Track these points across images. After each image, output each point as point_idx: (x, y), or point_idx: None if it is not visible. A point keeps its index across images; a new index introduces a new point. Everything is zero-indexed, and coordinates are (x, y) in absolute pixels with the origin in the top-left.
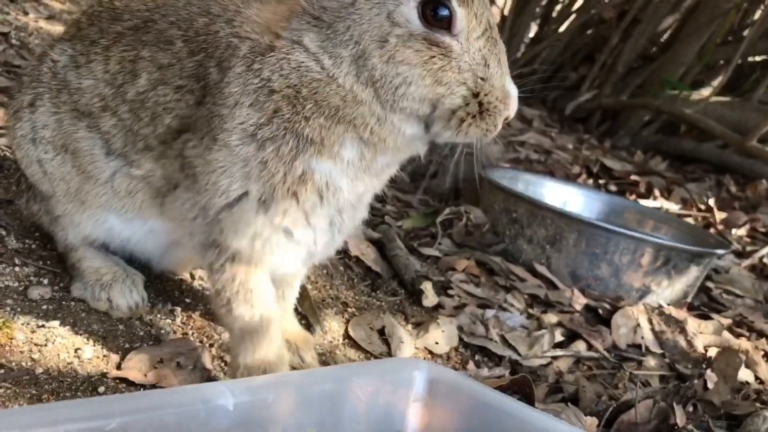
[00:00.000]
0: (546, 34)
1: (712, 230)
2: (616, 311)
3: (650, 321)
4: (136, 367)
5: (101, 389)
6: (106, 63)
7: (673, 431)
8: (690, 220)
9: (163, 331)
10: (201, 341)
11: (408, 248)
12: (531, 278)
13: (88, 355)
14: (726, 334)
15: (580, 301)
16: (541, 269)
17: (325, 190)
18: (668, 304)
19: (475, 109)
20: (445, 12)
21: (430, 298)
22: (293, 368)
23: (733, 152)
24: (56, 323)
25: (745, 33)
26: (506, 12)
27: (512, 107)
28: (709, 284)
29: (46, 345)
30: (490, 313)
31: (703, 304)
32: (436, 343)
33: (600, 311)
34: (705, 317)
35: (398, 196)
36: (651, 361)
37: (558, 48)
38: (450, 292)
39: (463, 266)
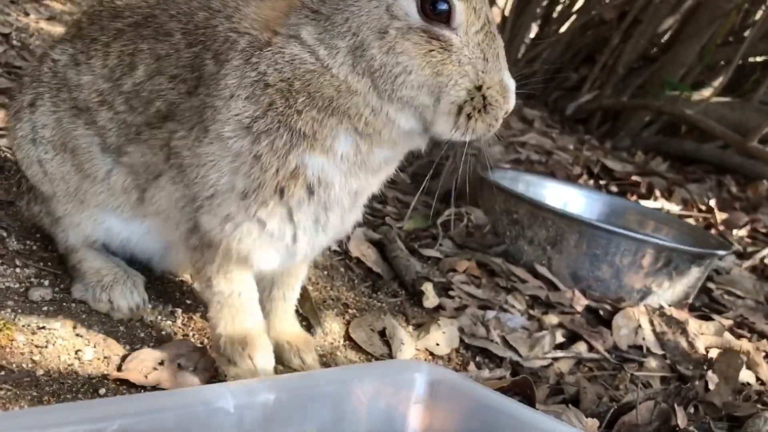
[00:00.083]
0: (547, 34)
1: (713, 231)
2: (617, 312)
3: (651, 322)
4: (136, 368)
5: (102, 391)
6: (105, 58)
7: None
8: (691, 220)
9: (163, 333)
10: (202, 342)
11: (409, 249)
12: (532, 279)
13: (89, 356)
14: (727, 335)
15: (581, 302)
16: (542, 270)
17: (317, 185)
18: (669, 305)
19: (480, 103)
20: (443, 6)
21: (430, 300)
22: (294, 370)
23: (733, 153)
24: (57, 325)
25: (746, 34)
26: (507, 12)
27: (511, 100)
28: (710, 285)
29: (46, 346)
30: (491, 314)
31: (704, 305)
32: (437, 344)
33: (601, 312)
34: (706, 318)
35: (399, 197)
36: (652, 363)
37: (559, 49)
38: (451, 293)
39: (463, 267)
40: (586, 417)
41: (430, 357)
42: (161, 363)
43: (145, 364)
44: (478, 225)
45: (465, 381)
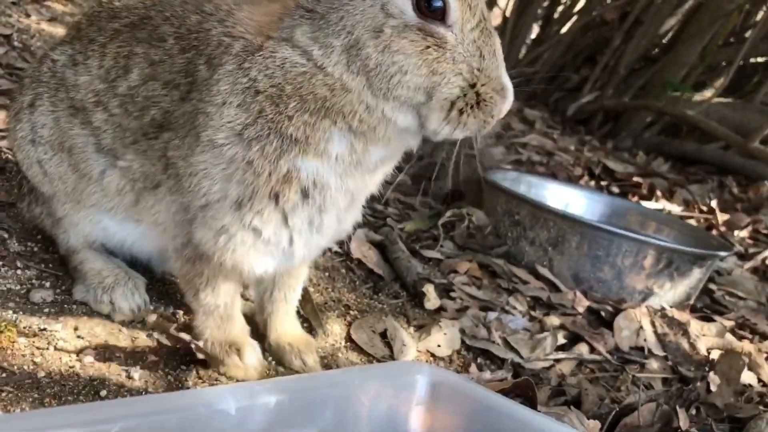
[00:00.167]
0: (548, 35)
1: (714, 232)
2: (618, 314)
3: (653, 323)
4: (137, 370)
5: (103, 393)
6: (101, 59)
7: None
8: (692, 221)
9: (165, 334)
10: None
11: (410, 250)
12: (533, 280)
13: (90, 358)
14: (729, 336)
15: (582, 304)
16: (544, 271)
17: (312, 188)
18: (671, 307)
19: (473, 100)
20: (438, 3)
21: (432, 301)
22: (295, 371)
23: (735, 154)
24: (58, 326)
25: (748, 34)
26: (508, 13)
27: (508, 101)
28: (712, 286)
29: (48, 348)
30: (492, 315)
31: (706, 306)
32: (438, 345)
33: (602, 314)
34: (708, 319)
35: (400, 198)
36: (654, 364)
37: (560, 49)
38: (452, 294)
39: (465, 268)
40: (588, 419)
41: (431, 358)
42: (162, 365)
43: (146, 366)
44: (480, 226)
45: (466, 383)
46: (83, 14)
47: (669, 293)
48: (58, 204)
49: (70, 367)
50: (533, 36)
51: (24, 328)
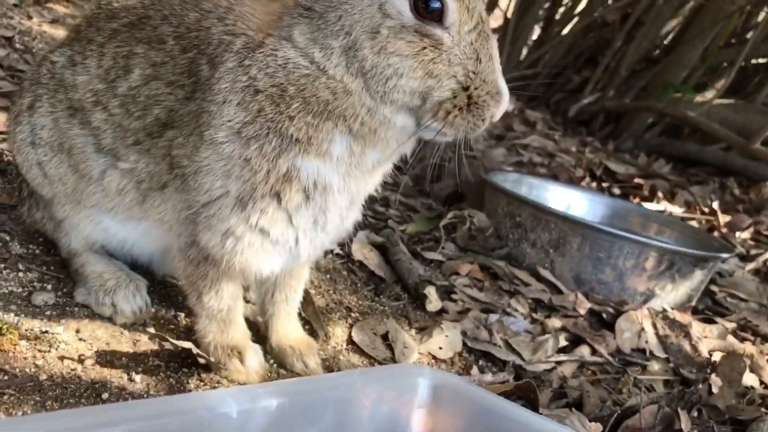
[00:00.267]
0: (549, 36)
1: (715, 233)
2: (620, 315)
3: (654, 325)
4: (139, 373)
5: (105, 396)
6: (100, 59)
7: None
8: (694, 223)
9: (166, 336)
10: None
11: (411, 252)
12: (535, 282)
13: (92, 361)
14: (730, 338)
15: (584, 306)
16: (545, 273)
17: (313, 189)
18: (672, 308)
19: (463, 102)
20: (436, 4)
21: (433, 303)
22: (297, 374)
23: (736, 155)
24: (60, 329)
25: (749, 35)
26: (509, 15)
27: (502, 105)
28: (714, 288)
29: (49, 351)
30: (493, 317)
31: (708, 308)
32: (440, 348)
33: (604, 315)
34: (709, 321)
35: (401, 200)
36: (655, 366)
37: (561, 51)
38: (453, 296)
39: (466, 270)
40: (590, 421)
41: (432, 361)
42: (164, 367)
43: (147, 368)
44: (481, 228)
45: (468, 385)
46: (83, 17)
47: (670, 295)
48: (59, 206)
49: (72, 370)
50: (534, 37)
51: (26, 330)
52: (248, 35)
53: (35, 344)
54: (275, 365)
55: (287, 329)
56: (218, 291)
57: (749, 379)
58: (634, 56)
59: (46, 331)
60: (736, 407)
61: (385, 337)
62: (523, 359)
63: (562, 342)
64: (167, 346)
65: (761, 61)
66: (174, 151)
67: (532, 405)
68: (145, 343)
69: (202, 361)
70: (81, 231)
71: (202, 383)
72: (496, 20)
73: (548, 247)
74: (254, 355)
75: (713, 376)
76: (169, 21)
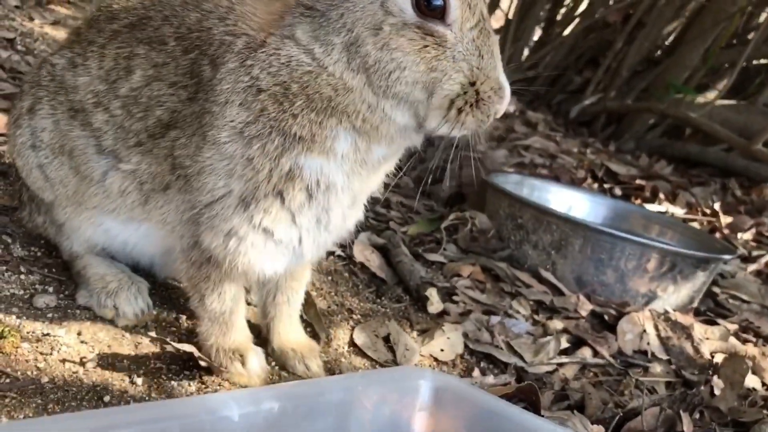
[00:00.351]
0: (550, 37)
1: (717, 234)
2: (621, 317)
3: (656, 327)
4: (141, 376)
5: (106, 398)
6: (101, 60)
7: None
8: (695, 224)
9: (167, 339)
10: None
11: (413, 254)
12: (536, 284)
13: (94, 363)
14: (732, 339)
15: (585, 307)
16: (547, 275)
17: (315, 187)
18: (674, 310)
19: (473, 98)
20: (438, 2)
21: (435, 305)
22: (299, 376)
23: (738, 156)
24: (62, 332)
25: (750, 36)
26: (510, 15)
27: (505, 101)
28: (715, 289)
29: (51, 354)
30: (495, 319)
31: (709, 309)
32: (442, 350)
33: (606, 317)
34: (711, 323)
35: (403, 201)
36: (657, 368)
37: (562, 52)
38: (455, 298)
39: (468, 272)
40: (592, 423)
41: (434, 363)
42: (166, 370)
43: (149, 371)
44: (483, 229)
45: (470, 388)
46: (84, 20)
47: (672, 296)
48: (59, 209)
49: (74, 373)
50: (536, 38)
51: (27, 333)
52: (249, 35)
53: (37, 347)
54: (277, 368)
55: (289, 331)
56: (221, 293)
57: (751, 381)
58: (636, 57)
59: (48, 334)
60: (738, 409)
61: (386, 339)
62: (524, 361)
63: (564, 344)
64: (169, 348)
65: (763, 61)
66: (176, 151)
67: (534, 407)
68: (146, 346)
69: (203, 363)
70: (82, 233)
71: (203, 386)
72: (497, 21)
73: (550, 249)
74: (256, 358)
75: (715, 377)
76: (170, 22)
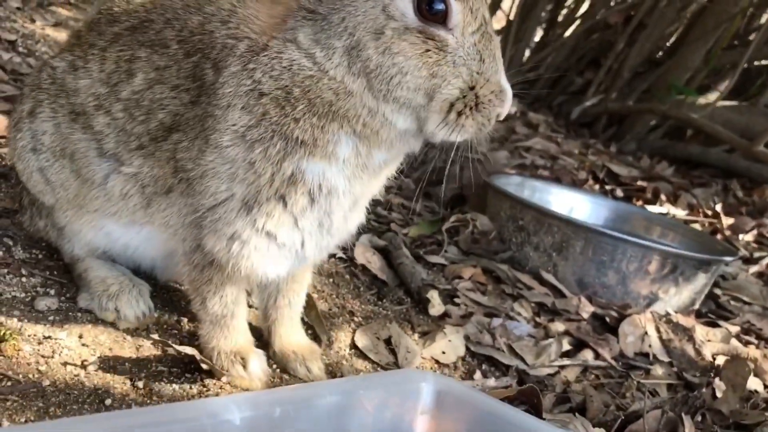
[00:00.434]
0: (551, 38)
1: (719, 236)
2: (623, 319)
3: (658, 329)
4: (142, 379)
5: (108, 401)
6: (102, 63)
7: None
8: (697, 225)
9: (169, 342)
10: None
11: (414, 256)
12: (538, 286)
13: (95, 366)
14: (734, 341)
15: (587, 309)
16: (548, 277)
17: (318, 191)
18: (676, 312)
19: (473, 102)
20: (440, 6)
21: (436, 307)
22: (300, 380)
23: (739, 157)
24: (63, 334)
25: (752, 37)
26: (512, 17)
27: (507, 104)
28: (717, 291)
29: (52, 357)
30: (496, 321)
31: (711, 311)
32: (443, 352)
33: (607, 319)
34: (713, 325)
35: (404, 203)
36: (659, 370)
37: (563, 53)
38: (456, 300)
39: (469, 274)
40: (593, 426)
41: (436, 365)
42: (167, 373)
43: (150, 374)
44: (484, 231)
45: (471, 391)
46: (84, 23)
47: (674, 298)
48: (60, 212)
49: (75, 376)
50: (537, 39)
51: (29, 336)
52: (251, 38)
53: (38, 350)
54: (278, 370)
55: (290, 334)
56: (222, 296)
57: (753, 383)
58: (637, 58)
59: (49, 337)
60: (740, 412)
61: (388, 341)
62: (526, 363)
63: (566, 346)
64: (170, 351)
65: (764, 62)
66: (179, 154)
67: (536, 410)
68: (148, 349)
69: (205, 366)
70: (83, 236)
71: (205, 389)
72: (498, 22)
73: (551, 251)
74: (257, 361)
75: (717, 380)
76: (172, 25)
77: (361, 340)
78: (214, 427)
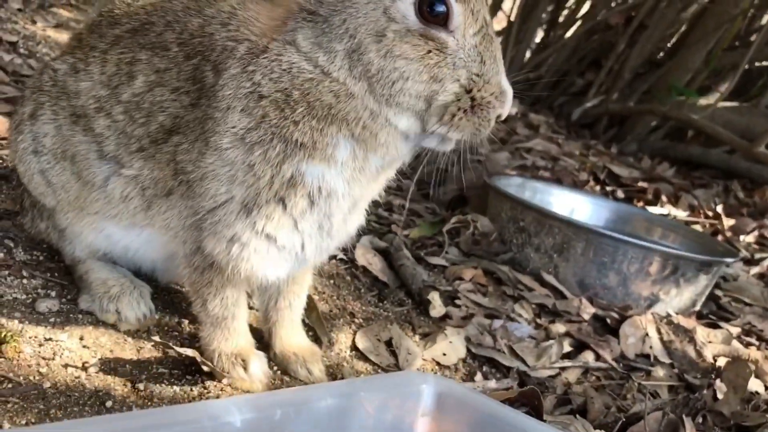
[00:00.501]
0: (552, 39)
1: (720, 237)
2: (624, 321)
3: (659, 330)
4: (143, 381)
5: (109, 404)
6: (103, 65)
7: None
8: (698, 227)
9: (170, 344)
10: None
11: (415, 257)
12: (539, 287)
13: (96, 368)
14: (735, 343)
15: (588, 311)
16: (549, 278)
17: (317, 194)
18: (677, 313)
19: (467, 104)
20: (441, 8)
21: (437, 309)
22: (301, 381)
23: (740, 158)
24: (64, 336)
25: (753, 38)
26: (512, 18)
27: (507, 105)
28: (718, 292)
29: (53, 359)
30: (497, 323)
31: (712, 312)
32: (444, 354)
33: (608, 321)
34: (714, 326)
35: (405, 204)
36: (660, 372)
37: (564, 54)
38: (457, 302)
39: (470, 275)
40: (594, 428)
41: (436, 367)
42: (168, 375)
43: (151, 376)
44: (485, 233)
45: (472, 393)
46: (84, 24)
47: (675, 300)
48: (61, 214)
49: (76, 378)
50: (538, 40)
51: (30, 338)
52: (251, 40)
53: (39, 352)
54: (279, 372)
55: (291, 336)
56: (223, 298)
57: (754, 384)
58: (638, 59)
59: (50, 339)
60: (741, 413)
61: (389, 343)
62: (527, 365)
63: (566, 348)
64: (171, 353)
65: (765, 63)
66: (179, 157)
67: (537, 412)
68: (149, 351)
69: (206, 368)
70: (84, 238)
71: (206, 390)
72: (499, 23)
73: (552, 252)
74: (258, 363)
75: (718, 381)
76: (173, 27)
77: (362, 342)
78: (214, 429)
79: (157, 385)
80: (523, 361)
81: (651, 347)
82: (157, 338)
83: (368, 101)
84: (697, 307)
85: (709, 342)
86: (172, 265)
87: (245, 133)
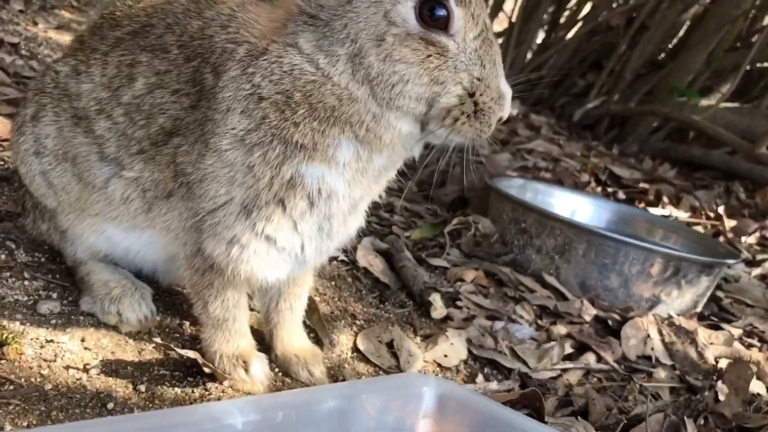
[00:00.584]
0: (554, 40)
1: (721, 238)
2: (625, 322)
3: (660, 332)
4: (144, 383)
5: (110, 405)
6: (104, 67)
7: None
8: (699, 228)
9: (171, 345)
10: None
11: (416, 259)
12: (540, 289)
13: (97, 370)
14: (737, 344)
15: (589, 312)
16: (550, 280)
17: (317, 195)
18: (678, 315)
19: (471, 109)
20: (442, 12)
21: (438, 310)
22: (302, 383)
23: (742, 159)
24: (65, 338)
25: (754, 39)
26: (514, 19)
27: (506, 107)
28: (719, 294)
29: (55, 360)
30: (499, 324)
31: (713, 314)
32: (445, 356)
33: (609, 322)
34: (715, 327)
35: (406, 206)
36: (661, 373)
37: (566, 55)
38: (459, 303)
39: (471, 277)
40: (596, 430)
41: (438, 369)
42: (169, 377)
43: (152, 378)
44: (486, 234)
45: (473, 395)
46: (86, 27)
47: (676, 301)
48: (62, 215)
49: (77, 380)
50: (539, 41)
51: (31, 339)
52: (251, 42)
53: (40, 353)
54: (280, 374)
55: (292, 338)
56: (224, 300)
57: (756, 386)
58: (639, 60)
59: (52, 340)
60: (743, 415)
61: (390, 344)
62: (528, 367)
63: (568, 349)
64: (172, 355)
65: (766, 65)
66: (179, 158)
67: (538, 413)
68: (150, 352)
69: (207, 370)
70: (85, 240)
71: (207, 392)
72: (500, 24)
73: (553, 254)
74: (259, 364)
75: (719, 383)
76: (173, 30)
77: (363, 344)
78: (216, 431)
79: (159, 386)
80: (525, 363)
81: (652, 349)
82: (158, 340)
83: (371, 105)
84: (699, 309)
85: (711, 343)
86: (173, 267)
87: (245, 135)
